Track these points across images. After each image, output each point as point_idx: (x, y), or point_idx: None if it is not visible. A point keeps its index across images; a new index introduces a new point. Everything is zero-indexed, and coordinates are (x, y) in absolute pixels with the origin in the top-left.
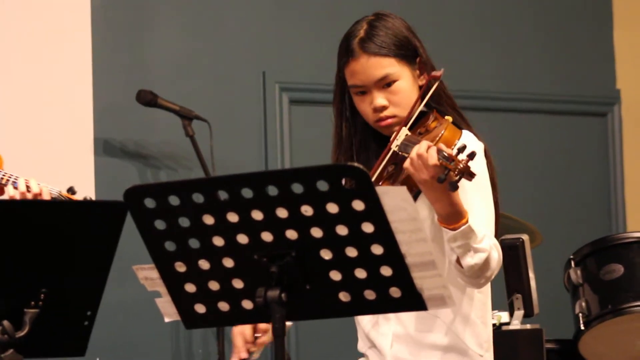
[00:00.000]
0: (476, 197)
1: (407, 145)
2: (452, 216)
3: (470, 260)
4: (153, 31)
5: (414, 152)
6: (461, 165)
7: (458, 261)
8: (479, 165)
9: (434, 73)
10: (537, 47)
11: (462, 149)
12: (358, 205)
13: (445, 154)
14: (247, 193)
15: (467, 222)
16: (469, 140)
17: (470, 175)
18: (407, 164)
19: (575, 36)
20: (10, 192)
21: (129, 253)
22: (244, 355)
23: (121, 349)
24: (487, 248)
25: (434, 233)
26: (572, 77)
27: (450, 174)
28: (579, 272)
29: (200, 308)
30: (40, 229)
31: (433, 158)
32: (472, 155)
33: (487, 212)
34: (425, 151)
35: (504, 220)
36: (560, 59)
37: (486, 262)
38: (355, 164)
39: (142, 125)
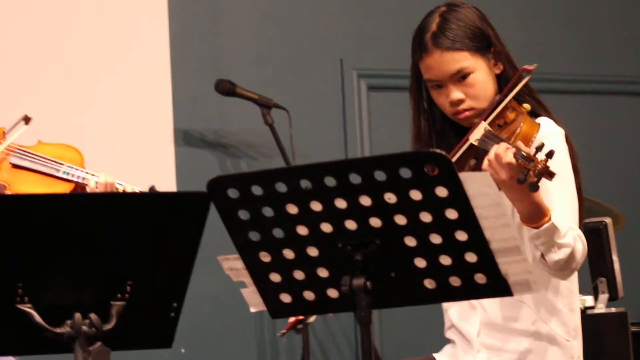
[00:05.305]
0: (558, 190)
1: (486, 141)
2: (534, 215)
3: (555, 255)
4: (230, 20)
5: (491, 153)
6: (540, 166)
7: (543, 256)
8: (559, 155)
9: (527, 67)
10: (624, 29)
11: (540, 147)
12: (441, 191)
13: (524, 154)
14: (330, 182)
15: (549, 219)
16: (548, 129)
17: (549, 175)
18: (485, 164)
19: None
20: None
21: (214, 244)
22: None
23: (207, 340)
24: (571, 242)
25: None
26: None
27: (530, 174)
28: None
29: (285, 297)
30: (126, 222)
31: (511, 159)
32: (550, 154)
33: (570, 203)
34: (503, 152)
35: (587, 203)
36: None
37: (571, 256)
38: (438, 150)
39: (221, 115)
